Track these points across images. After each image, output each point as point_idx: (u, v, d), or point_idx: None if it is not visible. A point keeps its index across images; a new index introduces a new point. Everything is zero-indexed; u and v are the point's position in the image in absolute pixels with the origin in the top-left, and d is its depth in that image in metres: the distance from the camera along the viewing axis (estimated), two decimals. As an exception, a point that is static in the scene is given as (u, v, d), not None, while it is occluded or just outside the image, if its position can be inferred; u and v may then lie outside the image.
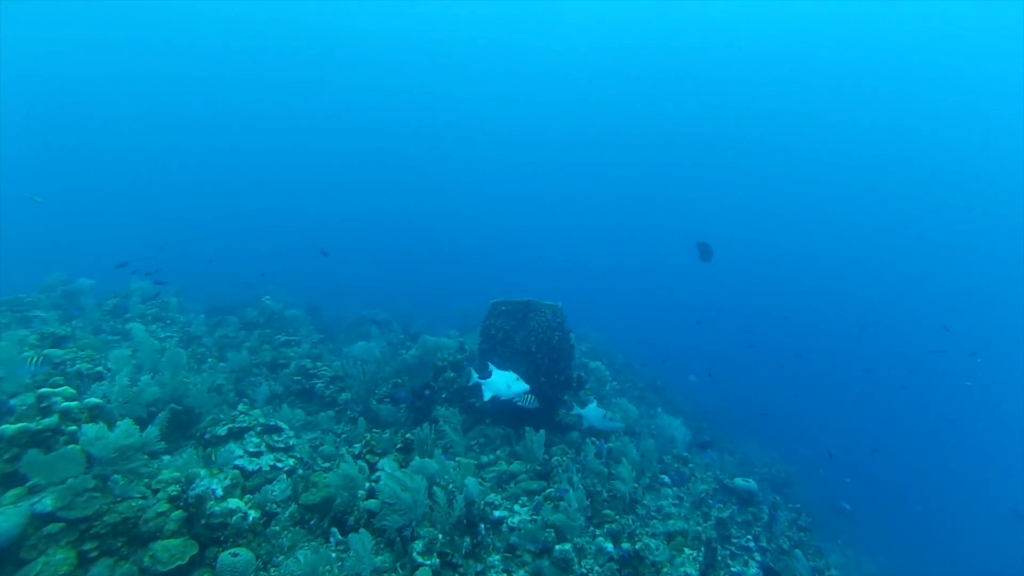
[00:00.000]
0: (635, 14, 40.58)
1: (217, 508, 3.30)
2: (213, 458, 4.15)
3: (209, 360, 7.66)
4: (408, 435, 5.67)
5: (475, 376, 6.42)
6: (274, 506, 3.84)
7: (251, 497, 3.80)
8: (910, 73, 39.73)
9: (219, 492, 3.47)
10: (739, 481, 7.87)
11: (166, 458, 4.10)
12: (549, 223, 52.39)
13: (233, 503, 3.45)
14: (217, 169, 50.62)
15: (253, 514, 3.55)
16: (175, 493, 3.35)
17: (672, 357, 17.53)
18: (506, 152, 57.08)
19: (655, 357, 16.97)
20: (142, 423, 4.18)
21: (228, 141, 52.87)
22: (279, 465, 5.00)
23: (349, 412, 7.97)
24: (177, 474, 3.48)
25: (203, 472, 3.51)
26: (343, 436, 7.36)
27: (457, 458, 6.54)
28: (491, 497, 5.94)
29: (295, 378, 8.42)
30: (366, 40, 48.59)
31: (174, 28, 43.23)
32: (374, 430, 5.90)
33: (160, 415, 4.20)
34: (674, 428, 8.90)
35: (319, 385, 8.31)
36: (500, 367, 6.56)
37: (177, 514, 3.23)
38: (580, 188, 54.56)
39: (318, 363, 8.89)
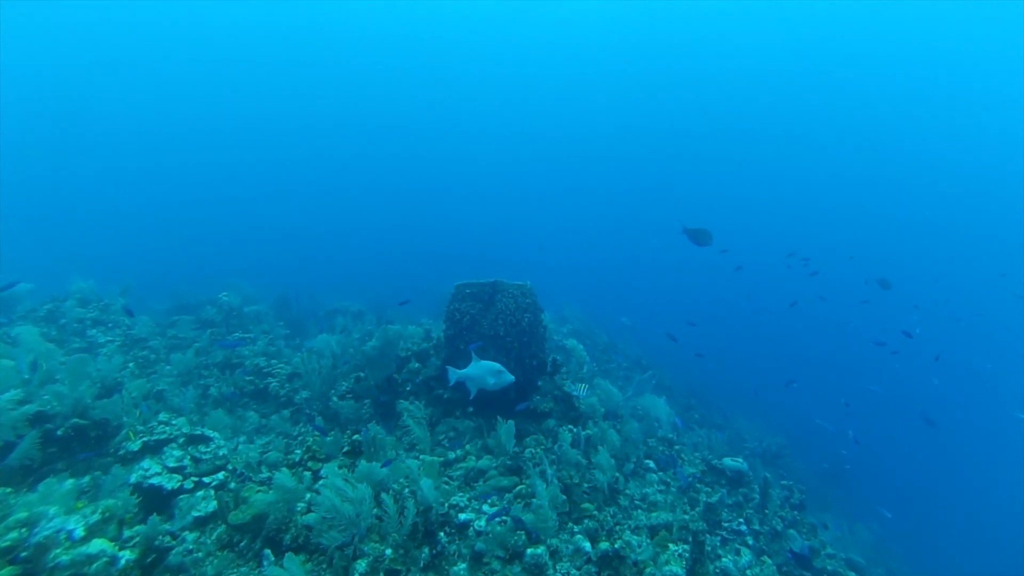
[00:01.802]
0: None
1: (65, 557, 2.60)
2: (98, 483, 3.48)
3: (131, 366, 6.93)
4: (355, 436, 5.03)
5: (454, 373, 5.84)
6: (168, 539, 3.19)
7: (140, 528, 3.16)
8: (907, 58, 39.06)
9: (79, 532, 2.78)
10: (728, 461, 7.40)
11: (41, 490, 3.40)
12: (540, 203, 51.68)
13: (97, 545, 2.76)
14: (198, 165, 49.18)
15: (127, 555, 2.89)
16: (8, 544, 2.65)
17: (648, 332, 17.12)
18: (497, 136, 56.17)
19: (641, 336, 16.51)
20: (11, 448, 3.49)
21: (210, 137, 51.33)
22: (205, 480, 4.37)
23: (307, 411, 7.34)
24: (24, 514, 2.79)
25: (52, 510, 2.82)
26: (299, 439, 6.76)
27: (422, 456, 5.96)
28: (457, 498, 5.37)
29: (247, 378, 7.75)
30: (337, 28, 47.20)
31: (164, 27, 42.14)
32: (314, 434, 5.26)
33: (28, 436, 3.48)
34: (659, 408, 8.39)
35: (274, 384, 7.65)
36: (467, 354, 5.97)
37: (6, 572, 2.53)
38: (570, 169, 53.79)
39: (274, 360, 8.21)
